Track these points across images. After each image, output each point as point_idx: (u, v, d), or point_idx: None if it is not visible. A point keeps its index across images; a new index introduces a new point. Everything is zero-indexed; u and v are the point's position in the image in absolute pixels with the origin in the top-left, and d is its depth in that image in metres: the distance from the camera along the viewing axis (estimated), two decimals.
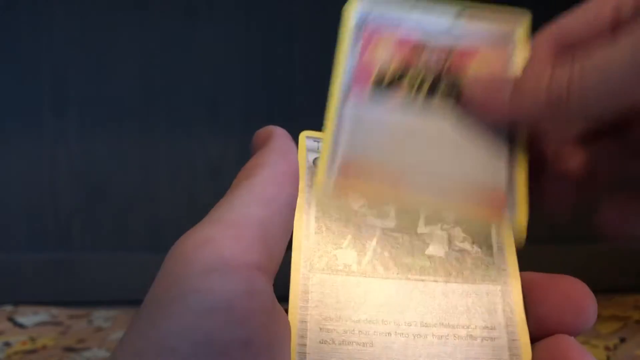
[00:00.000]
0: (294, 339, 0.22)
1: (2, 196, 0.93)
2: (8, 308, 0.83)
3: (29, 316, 0.80)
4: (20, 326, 0.77)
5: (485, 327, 0.23)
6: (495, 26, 0.28)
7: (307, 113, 1.00)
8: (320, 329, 0.22)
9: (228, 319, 0.18)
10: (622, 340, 0.68)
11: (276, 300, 0.21)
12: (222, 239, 0.20)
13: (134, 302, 0.88)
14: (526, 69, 0.24)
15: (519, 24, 0.28)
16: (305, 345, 0.22)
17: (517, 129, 0.25)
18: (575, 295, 0.24)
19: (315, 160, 0.26)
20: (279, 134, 0.25)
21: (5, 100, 0.92)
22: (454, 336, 0.23)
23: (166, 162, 0.93)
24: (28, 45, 0.92)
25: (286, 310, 0.22)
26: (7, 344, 0.71)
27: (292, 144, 0.25)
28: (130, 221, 0.93)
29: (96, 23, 0.92)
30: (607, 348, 0.66)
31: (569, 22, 0.27)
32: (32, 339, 0.73)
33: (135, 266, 0.90)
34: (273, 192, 0.22)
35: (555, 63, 0.23)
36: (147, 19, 0.93)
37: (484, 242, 0.25)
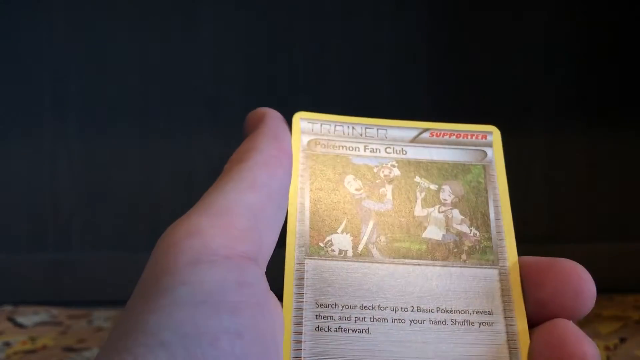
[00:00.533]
0: (289, 327, 0.21)
1: (2, 196, 0.93)
2: (8, 308, 0.83)
3: (29, 316, 0.80)
4: (20, 326, 0.77)
5: (483, 312, 0.23)
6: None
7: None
8: (316, 316, 0.22)
9: (218, 310, 0.18)
10: (622, 340, 0.68)
11: (269, 289, 0.20)
12: (210, 229, 0.20)
13: None
14: None
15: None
16: (300, 333, 0.22)
17: None
18: (574, 278, 0.23)
19: (309, 143, 0.26)
20: (271, 116, 0.24)
21: (5, 100, 0.92)
22: (451, 321, 0.23)
23: (166, 162, 0.93)
24: (28, 45, 0.92)
25: (280, 298, 0.22)
26: (7, 344, 0.71)
27: (286, 126, 0.25)
28: (130, 221, 0.93)
29: (96, 23, 0.92)
30: (607, 348, 0.66)
31: None
32: (32, 339, 0.73)
33: (135, 266, 0.90)
34: (264, 177, 0.22)
35: None
36: (147, 19, 0.93)
37: (482, 224, 0.25)
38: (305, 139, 0.26)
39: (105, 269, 0.90)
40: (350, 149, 0.26)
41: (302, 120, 0.26)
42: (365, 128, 0.26)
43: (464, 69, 0.95)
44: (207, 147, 0.93)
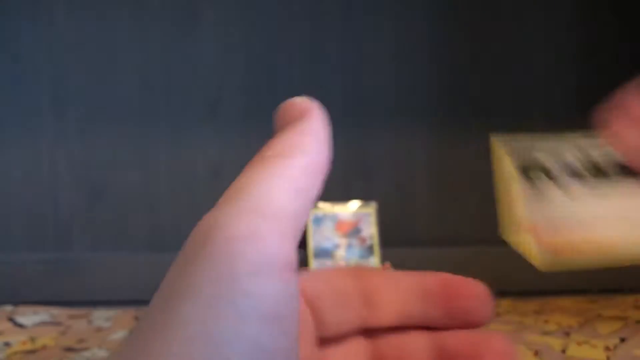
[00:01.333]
0: None
1: (2, 196, 0.93)
2: (8, 308, 0.83)
3: (29, 316, 0.80)
4: (20, 326, 0.77)
5: None
6: None
7: None
8: None
9: (276, 327, 0.18)
10: (622, 340, 0.68)
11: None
12: (267, 234, 0.19)
13: (134, 302, 0.88)
14: None
15: None
16: None
17: None
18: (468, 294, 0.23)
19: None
20: (316, 114, 0.23)
21: (5, 100, 0.92)
22: None
23: (166, 162, 0.93)
24: (28, 45, 0.92)
25: None
26: (7, 344, 0.71)
27: (327, 127, 0.23)
28: (130, 221, 0.93)
29: (96, 23, 0.92)
30: (607, 348, 0.66)
31: None
32: (32, 339, 0.73)
33: (135, 266, 0.90)
34: (307, 184, 0.21)
35: None
36: (147, 19, 0.93)
37: None
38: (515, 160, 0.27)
39: (105, 269, 0.91)
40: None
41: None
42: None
43: (464, 69, 0.95)
44: (207, 147, 0.93)
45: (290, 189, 0.20)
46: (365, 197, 0.94)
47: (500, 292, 0.87)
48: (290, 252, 0.19)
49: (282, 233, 0.19)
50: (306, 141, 0.22)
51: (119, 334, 0.75)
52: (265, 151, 0.22)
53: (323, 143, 0.22)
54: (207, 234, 0.19)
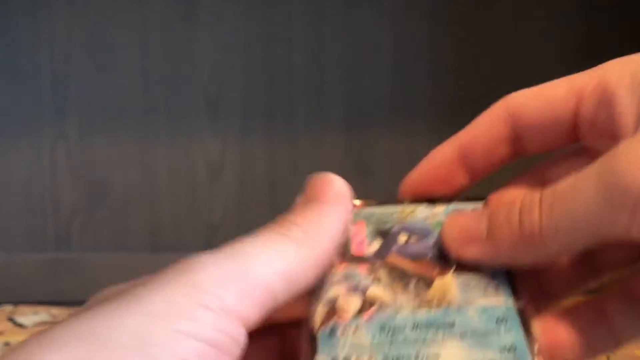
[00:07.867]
0: None
1: (2, 196, 0.93)
2: (8, 308, 0.83)
3: (29, 316, 0.80)
4: (20, 326, 0.77)
5: None
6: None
7: (307, 113, 1.00)
8: None
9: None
10: None
11: None
12: (231, 293, 0.19)
13: None
14: (497, 207, 0.24)
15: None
16: None
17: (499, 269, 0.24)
18: None
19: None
20: (340, 194, 0.23)
21: (6, 100, 0.92)
22: None
23: (166, 162, 0.93)
24: (28, 46, 0.92)
25: None
26: (7, 344, 0.71)
27: (350, 209, 0.24)
28: (130, 221, 0.93)
29: (96, 23, 0.92)
30: None
31: (527, 114, 0.25)
32: None
33: (135, 266, 0.90)
34: (298, 275, 0.21)
35: (524, 200, 0.22)
36: (147, 19, 0.93)
37: None
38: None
39: (105, 269, 0.91)
40: None
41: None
42: None
43: (464, 69, 0.95)
44: (207, 147, 0.93)
45: (278, 271, 0.20)
46: (365, 197, 0.94)
47: None
48: (248, 315, 0.19)
49: (248, 299, 0.19)
50: (319, 233, 0.22)
51: None
52: (282, 222, 0.21)
53: (333, 240, 0.22)
54: (179, 267, 0.19)
